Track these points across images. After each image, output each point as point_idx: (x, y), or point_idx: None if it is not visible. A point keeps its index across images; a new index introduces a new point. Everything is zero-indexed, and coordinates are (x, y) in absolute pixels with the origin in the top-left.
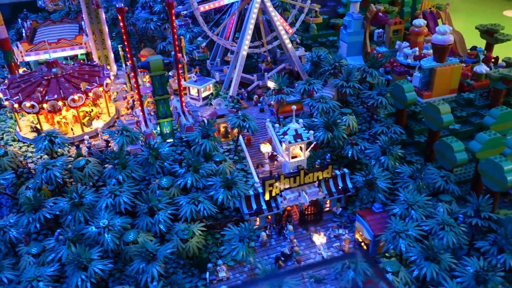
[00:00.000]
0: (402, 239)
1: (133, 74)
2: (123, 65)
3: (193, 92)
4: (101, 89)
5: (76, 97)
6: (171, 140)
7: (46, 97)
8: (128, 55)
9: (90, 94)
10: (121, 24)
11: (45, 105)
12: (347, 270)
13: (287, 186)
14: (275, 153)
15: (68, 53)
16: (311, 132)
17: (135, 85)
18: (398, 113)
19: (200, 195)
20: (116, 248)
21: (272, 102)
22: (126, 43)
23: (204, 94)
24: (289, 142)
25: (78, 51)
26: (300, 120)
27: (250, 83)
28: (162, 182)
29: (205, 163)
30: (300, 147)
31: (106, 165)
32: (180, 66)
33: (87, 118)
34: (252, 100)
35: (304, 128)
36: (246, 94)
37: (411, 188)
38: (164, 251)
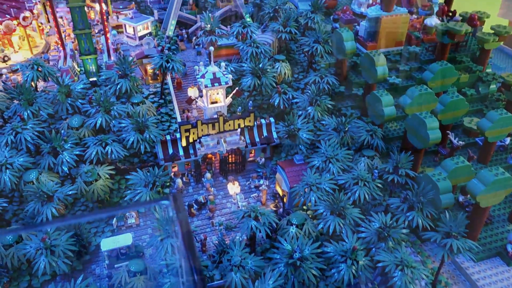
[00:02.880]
0: (314, 192)
1: (48, 3)
2: None
3: (130, 30)
4: (15, 22)
5: (27, 14)
6: (94, 79)
7: None
8: None
9: (1, 26)
10: None
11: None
12: (247, 218)
13: (205, 132)
14: (193, 97)
15: None
16: (230, 76)
17: (52, 16)
18: (338, 63)
19: (109, 137)
20: (15, 187)
21: (205, 43)
22: None
23: (141, 33)
24: (206, 86)
25: None
26: (222, 64)
27: (192, 24)
28: (72, 121)
29: (121, 104)
30: (221, 93)
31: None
32: None
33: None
34: (191, 43)
35: (225, 72)
36: (185, 36)
37: (334, 141)
38: (63, 192)
